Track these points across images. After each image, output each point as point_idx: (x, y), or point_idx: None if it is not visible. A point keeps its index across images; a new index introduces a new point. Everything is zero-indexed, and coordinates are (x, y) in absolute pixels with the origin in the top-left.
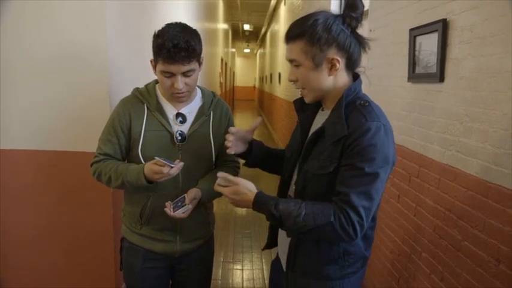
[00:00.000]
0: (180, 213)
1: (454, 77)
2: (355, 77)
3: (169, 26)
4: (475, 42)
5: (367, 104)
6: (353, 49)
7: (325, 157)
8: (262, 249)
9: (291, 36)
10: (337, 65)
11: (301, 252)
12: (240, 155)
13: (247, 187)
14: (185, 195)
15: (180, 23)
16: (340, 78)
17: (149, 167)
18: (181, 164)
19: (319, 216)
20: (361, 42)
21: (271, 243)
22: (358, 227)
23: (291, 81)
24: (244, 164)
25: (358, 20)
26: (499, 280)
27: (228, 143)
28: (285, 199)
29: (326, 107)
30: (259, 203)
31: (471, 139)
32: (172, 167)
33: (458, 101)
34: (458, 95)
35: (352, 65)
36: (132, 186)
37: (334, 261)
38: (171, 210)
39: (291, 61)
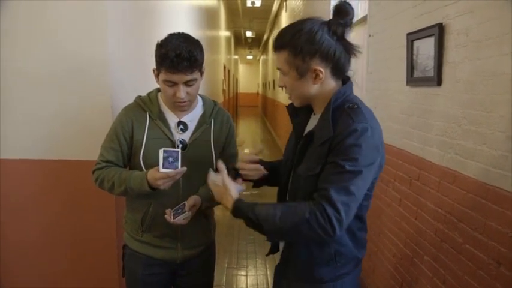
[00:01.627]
0: (180, 220)
1: (451, 81)
2: (346, 79)
3: (172, 36)
4: (470, 45)
5: (355, 106)
6: (338, 56)
7: (314, 159)
8: (266, 255)
9: (276, 46)
10: (321, 75)
11: (292, 256)
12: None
13: (231, 193)
14: (185, 202)
15: (183, 33)
16: (327, 85)
17: (153, 174)
18: (184, 168)
19: (294, 214)
20: (349, 49)
21: (275, 248)
22: (335, 222)
23: (280, 87)
24: (253, 186)
25: (347, 25)
26: (499, 282)
27: (251, 173)
28: (262, 203)
29: (316, 111)
30: (236, 210)
31: (469, 141)
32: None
33: (455, 104)
34: (455, 98)
35: (338, 72)
36: (135, 193)
37: (326, 263)
38: (172, 217)
39: (278, 69)
